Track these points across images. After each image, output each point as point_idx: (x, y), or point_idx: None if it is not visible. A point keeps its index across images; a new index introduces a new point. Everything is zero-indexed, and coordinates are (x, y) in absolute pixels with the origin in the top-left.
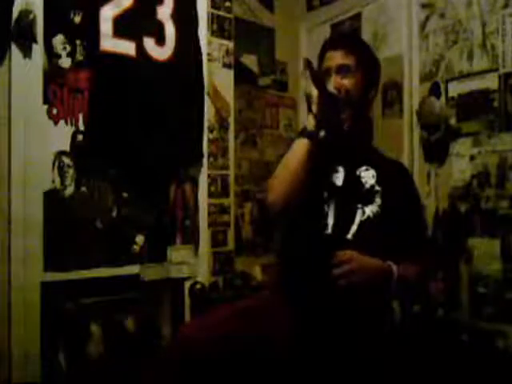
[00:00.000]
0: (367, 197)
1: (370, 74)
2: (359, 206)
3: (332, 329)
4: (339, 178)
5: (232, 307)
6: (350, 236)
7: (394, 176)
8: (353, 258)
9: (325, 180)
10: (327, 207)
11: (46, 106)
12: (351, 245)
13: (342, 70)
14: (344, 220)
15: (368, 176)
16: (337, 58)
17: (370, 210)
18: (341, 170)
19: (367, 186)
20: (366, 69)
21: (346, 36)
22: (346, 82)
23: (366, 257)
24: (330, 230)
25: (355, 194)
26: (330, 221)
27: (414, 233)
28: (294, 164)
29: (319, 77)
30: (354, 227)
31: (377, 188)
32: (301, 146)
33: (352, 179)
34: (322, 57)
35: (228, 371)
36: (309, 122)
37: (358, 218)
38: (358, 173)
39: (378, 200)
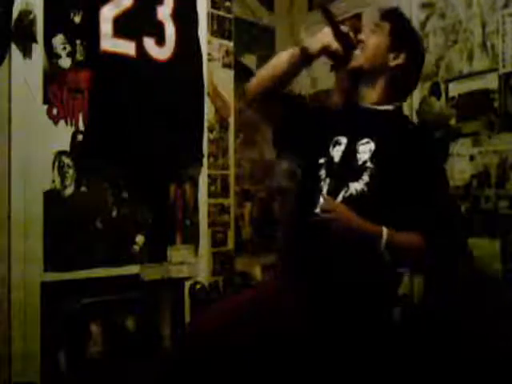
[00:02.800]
0: (355, 173)
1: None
2: (347, 182)
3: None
4: (339, 152)
5: (239, 297)
6: None
7: (405, 148)
8: (337, 209)
9: (325, 154)
10: (323, 184)
11: (45, 106)
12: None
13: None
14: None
15: (364, 150)
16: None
17: (353, 187)
18: (343, 141)
19: (360, 162)
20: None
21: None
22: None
23: (354, 214)
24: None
25: (348, 170)
26: (318, 199)
27: (425, 209)
28: (278, 64)
29: (332, 17)
30: None
31: (368, 165)
32: (291, 53)
33: (349, 154)
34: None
35: (239, 360)
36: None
37: (340, 195)
38: (356, 146)
39: (365, 177)
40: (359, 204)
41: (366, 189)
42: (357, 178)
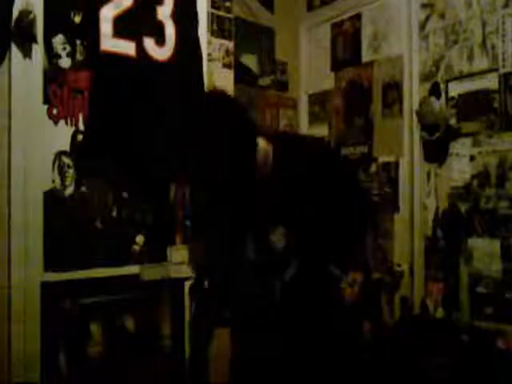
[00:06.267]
0: (281, 263)
1: None
2: (276, 275)
3: None
4: (251, 252)
5: None
6: (278, 306)
7: (307, 191)
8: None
9: (242, 260)
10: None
11: (46, 106)
12: (286, 311)
13: None
14: (267, 293)
15: (277, 238)
16: None
17: (287, 275)
18: (250, 240)
19: (278, 249)
20: None
21: None
22: None
23: None
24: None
25: (269, 265)
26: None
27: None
28: None
29: None
30: (278, 298)
31: (289, 248)
32: None
33: (263, 249)
34: None
35: None
36: None
37: (278, 287)
38: (266, 238)
39: (293, 262)
40: (301, 280)
41: (298, 269)
42: (286, 266)
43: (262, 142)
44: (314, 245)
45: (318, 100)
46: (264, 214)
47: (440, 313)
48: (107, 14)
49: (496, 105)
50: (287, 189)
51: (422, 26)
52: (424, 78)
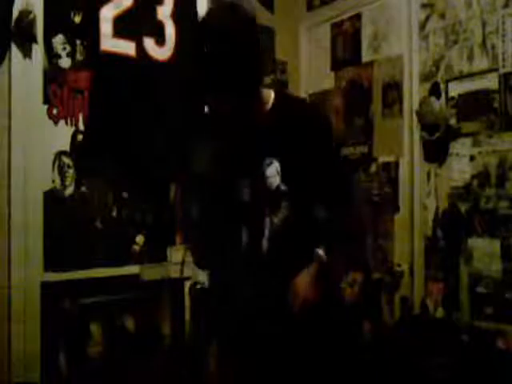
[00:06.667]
0: (273, 203)
1: None
2: (267, 215)
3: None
4: (246, 188)
5: None
6: (264, 251)
7: (300, 138)
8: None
9: (233, 202)
10: (243, 227)
11: (46, 106)
12: (269, 260)
13: None
14: (255, 237)
15: (272, 174)
16: None
17: (278, 218)
18: (245, 181)
19: (272, 187)
20: None
21: None
22: None
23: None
24: (246, 250)
25: (262, 203)
26: (245, 239)
27: (337, 191)
28: None
29: None
30: (265, 242)
31: (283, 188)
32: None
33: (257, 185)
34: None
35: None
36: None
37: (267, 232)
38: (262, 173)
39: (284, 204)
40: (288, 229)
41: (288, 212)
42: (277, 207)
43: (265, 90)
44: (304, 186)
45: (318, 100)
46: (262, 149)
47: (440, 313)
48: (107, 13)
49: (496, 105)
50: (283, 129)
51: (422, 26)
52: (424, 78)
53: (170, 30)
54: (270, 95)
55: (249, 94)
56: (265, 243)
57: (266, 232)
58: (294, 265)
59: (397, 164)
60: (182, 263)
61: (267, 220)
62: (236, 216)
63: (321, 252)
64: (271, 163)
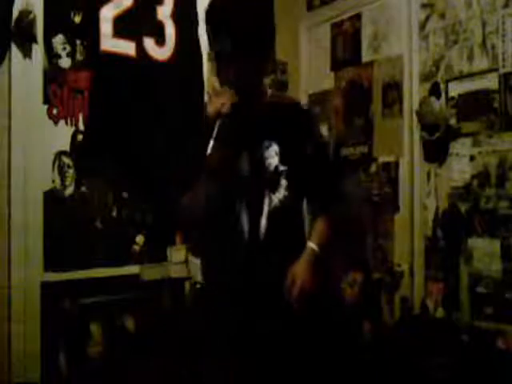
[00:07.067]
0: (272, 182)
1: None
2: (266, 194)
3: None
4: (245, 167)
5: None
6: (262, 230)
7: (293, 126)
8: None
9: (231, 174)
10: (239, 204)
11: (46, 106)
12: (266, 239)
13: None
14: (254, 215)
15: (271, 155)
16: None
17: (276, 197)
18: (245, 155)
19: (271, 168)
20: None
21: None
22: None
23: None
24: (244, 229)
25: (261, 181)
26: (244, 218)
27: (325, 175)
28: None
29: None
30: (264, 221)
31: (281, 168)
32: None
33: (256, 164)
34: None
35: None
36: None
37: (266, 209)
38: (261, 154)
39: (283, 182)
40: (286, 209)
41: (287, 192)
42: (276, 186)
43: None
44: (300, 167)
45: (318, 100)
46: (262, 131)
47: (440, 313)
48: (107, 14)
49: (496, 105)
50: (278, 118)
51: (422, 26)
52: (424, 78)
53: (169, 30)
54: (268, 91)
55: (260, 56)
56: (263, 221)
57: (266, 209)
58: (290, 244)
59: (397, 164)
60: (186, 262)
61: (266, 199)
62: (236, 194)
63: (312, 244)
64: (270, 145)
